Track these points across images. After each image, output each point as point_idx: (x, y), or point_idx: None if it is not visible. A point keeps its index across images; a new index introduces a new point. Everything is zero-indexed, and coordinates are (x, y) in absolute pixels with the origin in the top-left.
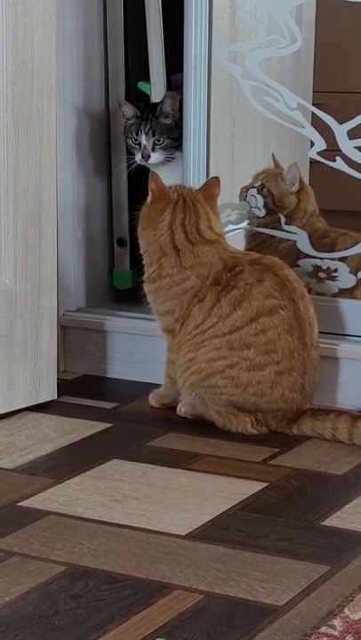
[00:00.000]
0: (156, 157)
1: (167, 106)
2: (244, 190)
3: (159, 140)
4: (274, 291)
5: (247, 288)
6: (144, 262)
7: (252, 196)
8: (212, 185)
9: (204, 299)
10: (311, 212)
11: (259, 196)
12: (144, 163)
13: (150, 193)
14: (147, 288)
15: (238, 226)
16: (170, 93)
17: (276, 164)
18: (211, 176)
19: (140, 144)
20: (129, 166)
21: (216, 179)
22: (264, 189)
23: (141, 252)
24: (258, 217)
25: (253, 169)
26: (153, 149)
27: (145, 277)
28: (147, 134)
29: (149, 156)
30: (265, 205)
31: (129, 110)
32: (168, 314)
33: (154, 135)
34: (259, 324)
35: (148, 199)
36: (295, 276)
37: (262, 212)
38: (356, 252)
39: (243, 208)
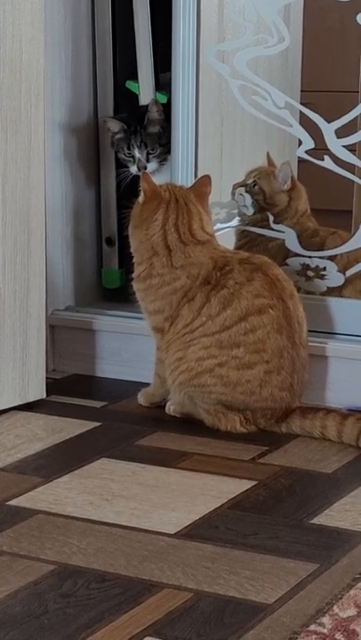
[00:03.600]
0: (151, 167)
1: (154, 113)
2: (237, 186)
3: (153, 150)
4: (263, 290)
5: (237, 287)
6: (134, 260)
7: (240, 194)
8: (203, 184)
9: (193, 298)
10: (302, 212)
11: (247, 195)
12: (140, 174)
13: (143, 193)
14: (136, 286)
15: (227, 224)
16: (153, 100)
17: (270, 163)
18: (202, 175)
19: (133, 157)
20: (123, 179)
21: (207, 177)
22: (256, 187)
23: (132, 250)
24: (248, 215)
25: (242, 168)
26: (147, 160)
27: (134, 275)
28: (139, 147)
29: (145, 167)
30: (256, 203)
31: (115, 125)
32: (157, 313)
33: (146, 147)
34: (248, 323)
35: (141, 199)
36: (284, 275)
37: (250, 211)
38: (343, 250)
39: (231, 206)
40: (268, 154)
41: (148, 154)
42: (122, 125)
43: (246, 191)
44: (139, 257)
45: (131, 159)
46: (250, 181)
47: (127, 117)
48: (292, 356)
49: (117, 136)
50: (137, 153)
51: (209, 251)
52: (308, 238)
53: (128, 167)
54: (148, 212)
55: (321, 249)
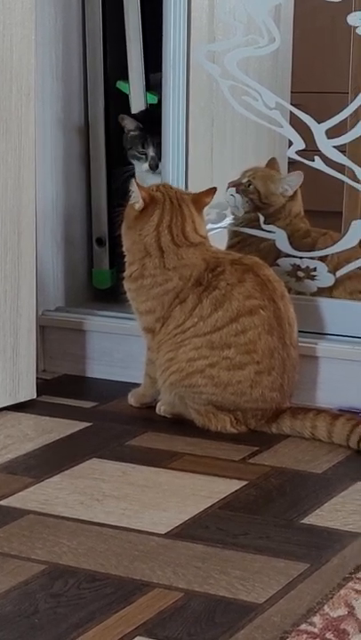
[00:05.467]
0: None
1: None
2: (231, 185)
3: None
4: (255, 291)
5: (228, 288)
6: (126, 260)
7: (231, 195)
8: (206, 194)
9: (185, 299)
10: (296, 214)
11: (237, 195)
12: (150, 172)
13: (141, 200)
14: (127, 286)
15: (218, 225)
16: None
17: (273, 168)
18: (211, 187)
19: (146, 155)
20: (130, 176)
21: (214, 189)
22: (250, 186)
23: (124, 249)
24: (239, 215)
25: (233, 168)
26: (160, 159)
27: (126, 275)
28: (155, 146)
29: (157, 166)
30: (251, 202)
31: (130, 123)
32: (149, 313)
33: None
34: (239, 324)
35: (138, 206)
36: (276, 276)
37: (241, 211)
38: (333, 251)
39: (221, 207)
40: (274, 159)
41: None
42: (137, 124)
43: (238, 191)
44: (131, 257)
45: (143, 157)
46: (244, 180)
47: (143, 116)
48: (283, 356)
49: (132, 133)
50: (151, 151)
51: (201, 252)
52: (299, 239)
53: (134, 165)
54: (145, 215)
55: (312, 250)
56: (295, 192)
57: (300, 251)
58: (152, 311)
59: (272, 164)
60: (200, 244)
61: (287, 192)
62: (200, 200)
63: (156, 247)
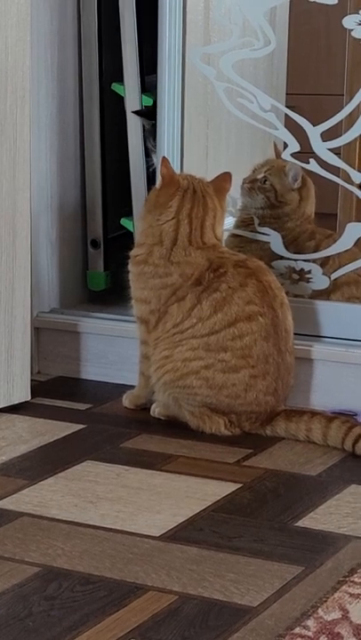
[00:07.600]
0: None
1: None
2: (247, 182)
3: None
4: (255, 297)
5: (229, 292)
6: (135, 239)
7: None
8: (223, 179)
9: (183, 298)
10: (308, 215)
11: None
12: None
13: (161, 178)
14: (130, 267)
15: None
16: None
17: (278, 153)
18: (223, 172)
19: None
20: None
21: (228, 174)
22: (266, 182)
23: (137, 232)
24: (257, 208)
25: (228, 170)
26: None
27: (132, 254)
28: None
29: None
30: (267, 200)
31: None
32: (143, 302)
33: None
34: (237, 329)
35: (158, 184)
36: (277, 282)
37: (237, 214)
38: (326, 254)
39: None
40: (274, 144)
41: None
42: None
43: (253, 187)
44: (142, 239)
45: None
46: (260, 176)
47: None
48: (278, 362)
49: (147, 127)
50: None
51: (208, 252)
52: (303, 242)
53: (152, 157)
54: (164, 197)
55: (316, 252)
56: (307, 188)
57: (303, 253)
58: (147, 301)
59: (277, 151)
60: (213, 247)
61: (294, 185)
62: (220, 186)
63: (172, 238)
